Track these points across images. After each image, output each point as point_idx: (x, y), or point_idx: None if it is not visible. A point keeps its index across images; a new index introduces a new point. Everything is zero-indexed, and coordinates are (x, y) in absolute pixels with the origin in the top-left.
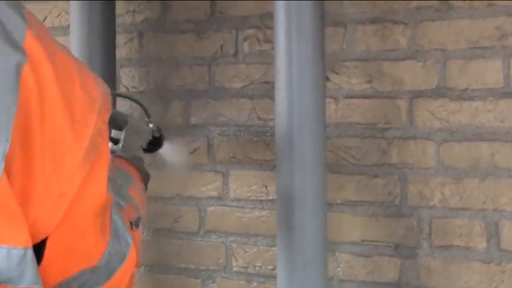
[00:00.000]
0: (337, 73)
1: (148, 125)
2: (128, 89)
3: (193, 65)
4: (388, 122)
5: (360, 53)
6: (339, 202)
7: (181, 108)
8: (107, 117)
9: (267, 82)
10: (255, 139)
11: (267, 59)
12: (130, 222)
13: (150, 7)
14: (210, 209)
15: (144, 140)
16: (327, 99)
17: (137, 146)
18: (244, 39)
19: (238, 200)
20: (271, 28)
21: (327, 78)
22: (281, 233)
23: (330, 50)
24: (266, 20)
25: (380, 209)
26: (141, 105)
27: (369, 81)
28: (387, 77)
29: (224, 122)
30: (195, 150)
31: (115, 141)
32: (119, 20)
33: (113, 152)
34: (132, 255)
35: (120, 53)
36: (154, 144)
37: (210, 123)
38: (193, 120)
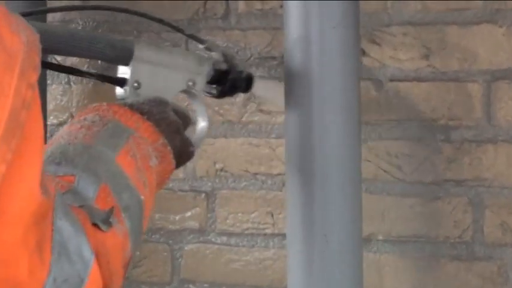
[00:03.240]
0: (378, 44)
1: (205, 53)
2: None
3: (162, 31)
4: (454, 117)
5: (413, 14)
6: (380, 238)
7: None
8: (35, 78)
9: (272, 58)
10: (254, 142)
11: (273, 23)
12: (95, 224)
13: None
14: (187, 247)
15: (192, 74)
16: (363, 83)
17: (175, 87)
18: None
19: (230, 234)
20: None
21: (363, 52)
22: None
23: (367, 9)
24: None
25: (442, 248)
26: (178, 29)
27: (426, 56)
28: (453, 50)
29: (210, 117)
30: None
31: (121, 83)
32: None
33: (120, 98)
34: (94, 277)
35: (53, 16)
36: (227, 82)
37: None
38: None
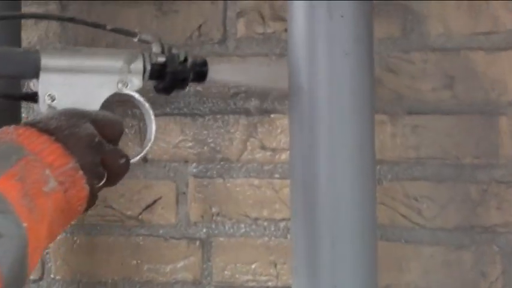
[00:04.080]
0: (395, 72)
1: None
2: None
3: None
4: (481, 154)
5: (434, 39)
6: None
7: (131, 135)
8: None
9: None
10: (255, 183)
11: (276, 48)
12: None
13: None
14: None
15: (123, 74)
16: (378, 117)
17: (101, 92)
18: (239, 14)
19: (228, 287)
20: None
21: (378, 81)
22: None
23: (382, 33)
24: None
25: None
26: (99, 26)
27: (449, 86)
28: (479, 79)
29: (205, 155)
30: (154, 201)
31: (33, 98)
32: None
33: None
34: None
35: (29, 35)
36: (167, 75)
37: (180, 158)
38: (151, 154)
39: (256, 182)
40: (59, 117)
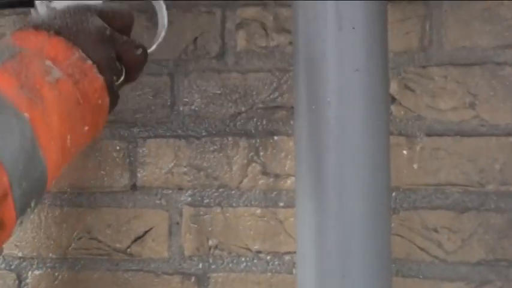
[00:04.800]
0: (412, 89)
1: None
2: None
3: (142, 75)
4: (507, 181)
5: (455, 52)
6: None
7: (119, 159)
8: None
9: (280, 107)
10: (257, 213)
11: (281, 63)
12: None
13: None
14: None
15: None
16: (393, 139)
17: None
18: (239, 26)
19: None
20: (288, 5)
21: (393, 100)
22: None
23: (398, 46)
24: None
25: None
26: None
27: (472, 105)
28: (505, 97)
29: (201, 181)
30: (144, 233)
31: (29, 1)
32: None
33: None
34: None
35: None
36: None
37: (173, 185)
38: (141, 181)
39: (258, 211)
40: (62, 15)
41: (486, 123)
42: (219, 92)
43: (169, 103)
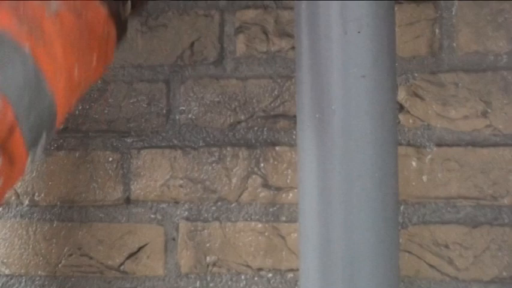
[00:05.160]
0: (421, 97)
1: None
2: None
3: (135, 81)
4: None
5: (467, 57)
6: None
7: (112, 171)
8: None
9: (282, 116)
10: (258, 228)
11: (283, 69)
12: None
13: None
14: None
15: None
16: (401, 149)
17: None
18: (238, 30)
19: None
20: (290, 8)
21: (401, 107)
22: None
23: (406, 51)
24: None
25: None
26: None
27: (485, 114)
28: None
29: (197, 193)
30: (139, 249)
31: None
32: None
33: None
34: None
35: None
36: None
37: (169, 198)
38: (135, 194)
39: (259, 226)
40: None
41: (499, 132)
42: (218, 99)
43: (164, 111)
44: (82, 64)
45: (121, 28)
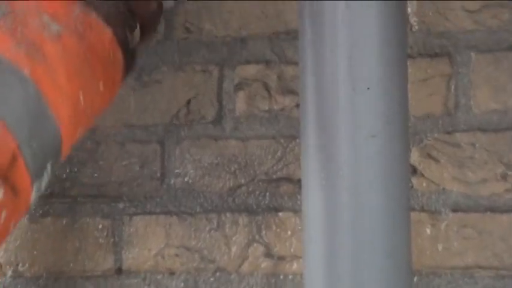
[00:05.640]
0: (435, 159)
1: None
2: None
3: (127, 142)
4: None
5: (485, 116)
6: None
7: (102, 239)
8: None
9: (285, 180)
10: None
11: (286, 129)
12: None
13: None
14: None
15: None
16: (414, 215)
17: None
18: (238, 87)
19: None
20: (295, 63)
21: (414, 170)
22: None
23: (420, 110)
24: (284, 46)
25: None
26: None
27: (504, 177)
28: None
29: (194, 263)
30: None
31: None
32: None
33: None
34: None
35: None
36: None
37: (164, 269)
38: (127, 264)
39: None
40: None
41: None
42: (216, 162)
43: (159, 175)
44: (88, 89)
45: (129, 56)
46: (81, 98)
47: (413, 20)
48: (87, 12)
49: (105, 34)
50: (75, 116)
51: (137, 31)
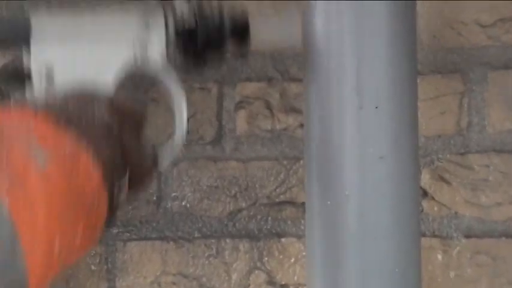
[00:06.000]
0: (447, 181)
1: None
2: None
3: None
4: None
5: (500, 136)
6: None
7: (94, 266)
8: None
9: (288, 203)
10: None
11: (290, 150)
12: None
13: None
14: None
15: (139, 42)
16: (425, 241)
17: (111, 67)
18: (238, 105)
19: None
20: (298, 80)
21: (424, 193)
22: None
23: (430, 130)
24: (287, 62)
25: None
26: None
27: None
28: None
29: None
30: None
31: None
32: None
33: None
34: None
35: None
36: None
37: None
38: None
39: None
40: (63, 102)
41: None
42: (215, 184)
43: (155, 198)
44: (65, 236)
45: (112, 205)
46: (57, 244)
47: (423, 35)
48: (80, 152)
49: (93, 176)
50: (46, 266)
51: (124, 182)
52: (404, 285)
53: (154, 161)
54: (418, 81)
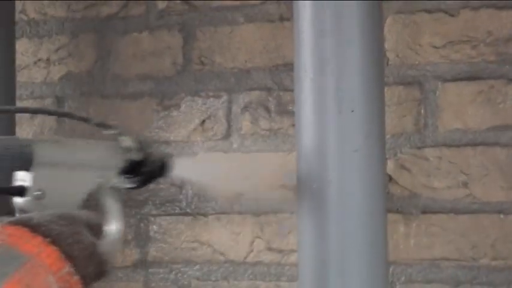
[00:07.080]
0: (407, 169)
1: (117, 143)
2: None
3: None
4: (498, 256)
5: (449, 134)
6: None
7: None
8: None
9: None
10: (262, 287)
11: (284, 145)
12: None
13: (77, 51)
14: None
15: (103, 170)
16: (390, 216)
17: (84, 189)
18: (244, 108)
19: None
20: (291, 90)
21: (390, 179)
22: None
23: (394, 128)
24: (283, 76)
25: None
26: (80, 118)
27: (465, 184)
28: (496, 177)
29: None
30: None
31: (20, 192)
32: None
33: (21, 210)
34: None
35: (24, 131)
36: (142, 172)
37: (182, 259)
38: (154, 253)
39: (263, 285)
40: (58, 221)
41: (478, 201)
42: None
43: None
44: None
45: None
46: None
47: (389, 54)
48: (71, 273)
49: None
50: None
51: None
52: (375, 250)
53: (107, 270)
54: (385, 90)
